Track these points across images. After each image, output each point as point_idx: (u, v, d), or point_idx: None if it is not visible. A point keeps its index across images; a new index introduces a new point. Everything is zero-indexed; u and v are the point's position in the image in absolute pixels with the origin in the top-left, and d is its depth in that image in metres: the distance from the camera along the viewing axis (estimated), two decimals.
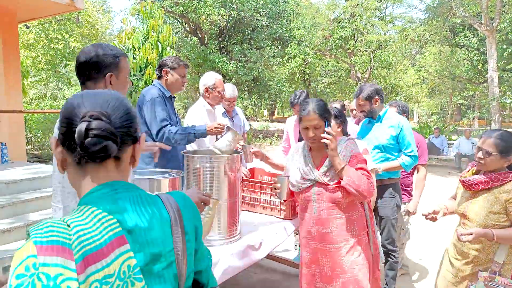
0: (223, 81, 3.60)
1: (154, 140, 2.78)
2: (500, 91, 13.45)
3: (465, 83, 22.02)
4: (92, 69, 1.56)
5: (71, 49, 17.10)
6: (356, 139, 2.89)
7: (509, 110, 28.18)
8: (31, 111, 8.42)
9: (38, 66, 16.79)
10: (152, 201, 0.87)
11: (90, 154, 0.79)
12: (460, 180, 2.30)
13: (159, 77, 2.98)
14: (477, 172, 2.27)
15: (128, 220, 0.78)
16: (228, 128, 2.67)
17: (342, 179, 2.11)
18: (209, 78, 3.46)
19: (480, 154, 2.15)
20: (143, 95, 2.85)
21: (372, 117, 3.28)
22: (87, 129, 0.77)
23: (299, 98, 3.77)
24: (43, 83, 16.67)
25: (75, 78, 16.67)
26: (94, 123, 0.78)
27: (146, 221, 0.82)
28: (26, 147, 8.75)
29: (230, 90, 3.98)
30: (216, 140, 2.67)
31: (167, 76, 2.93)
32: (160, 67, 2.97)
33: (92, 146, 0.77)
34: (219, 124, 2.75)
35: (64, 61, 16.88)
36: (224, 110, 4.05)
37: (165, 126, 2.73)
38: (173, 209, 0.89)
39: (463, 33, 19.09)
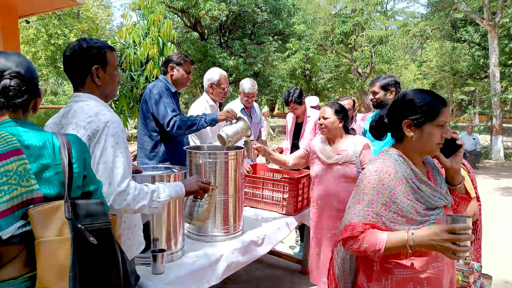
0: None
1: (164, 131, 2.77)
2: (502, 87, 13.40)
3: (466, 79, 21.92)
4: (77, 62, 1.53)
5: None
6: (358, 135, 2.89)
7: (510, 106, 28.11)
8: None
9: (38, 61, 16.73)
10: (47, 133, 1.18)
11: (8, 105, 1.16)
12: None
13: (165, 73, 2.97)
14: None
15: (26, 140, 1.11)
16: (239, 118, 2.67)
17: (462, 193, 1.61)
18: (214, 74, 3.44)
19: None
20: (150, 89, 2.84)
21: (381, 109, 3.25)
22: (9, 86, 1.14)
23: (293, 95, 3.75)
24: (43, 78, 16.63)
25: None
26: (14, 81, 1.15)
27: (40, 142, 1.13)
28: None
29: (249, 84, 3.94)
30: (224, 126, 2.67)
31: (173, 71, 2.92)
32: (166, 63, 2.96)
33: (13, 99, 1.15)
34: (230, 111, 2.72)
35: None
36: (243, 107, 4.01)
37: (176, 115, 2.73)
38: (62, 139, 1.18)
39: (465, 28, 18.98)
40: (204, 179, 1.85)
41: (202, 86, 21.04)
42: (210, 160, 2.39)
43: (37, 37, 16.25)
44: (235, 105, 4.06)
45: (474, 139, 10.87)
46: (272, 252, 3.59)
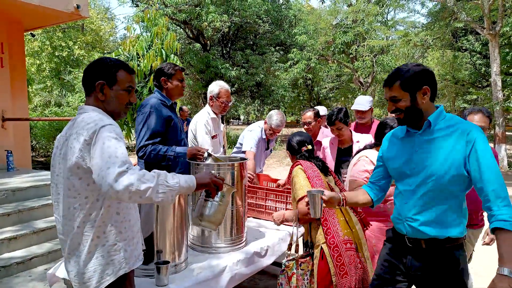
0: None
1: (162, 142, 2.77)
2: (504, 95, 13.41)
3: (468, 87, 21.97)
4: (87, 76, 1.61)
5: (75, 57, 17.22)
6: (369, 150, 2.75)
7: None
8: (36, 118, 8.48)
9: (43, 73, 16.90)
10: None
11: None
12: None
13: (158, 86, 2.94)
14: None
15: None
16: (209, 155, 2.69)
17: None
18: (215, 87, 3.47)
19: None
20: (142, 105, 2.82)
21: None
22: None
23: (337, 114, 3.30)
24: (47, 90, 16.78)
25: (79, 85, 16.75)
26: None
27: None
28: (31, 154, 8.80)
29: (278, 120, 3.73)
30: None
31: (166, 84, 2.89)
32: (157, 76, 2.92)
33: None
34: (200, 150, 2.73)
35: (68, 68, 17.01)
36: (264, 137, 3.89)
37: (149, 144, 2.69)
38: None
39: (466, 37, 19.09)
40: (218, 175, 1.74)
41: (205, 97, 21.22)
42: (213, 171, 2.41)
43: (42, 50, 16.45)
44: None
45: None
46: (275, 263, 3.58)
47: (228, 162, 2.61)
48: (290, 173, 2.53)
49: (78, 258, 1.52)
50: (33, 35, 7.13)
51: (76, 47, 16.86)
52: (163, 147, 2.72)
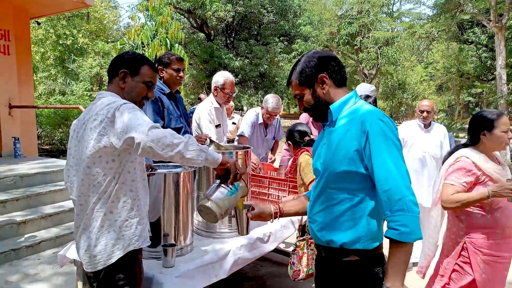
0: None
1: None
2: (509, 89, 13.35)
3: (473, 80, 21.85)
4: (114, 64, 1.74)
5: (79, 45, 17.22)
6: None
7: None
8: (43, 106, 8.55)
9: (47, 61, 16.94)
10: None
11: None
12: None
13: None
14: None
15: None
16: (211, 141, 2.73)
17: None
18: (220, 78, 3.51)
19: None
20: None
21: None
22: None
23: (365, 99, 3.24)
24: (51, 78, 16.82)
25: (83, 74, 16.82)
26: None
27: None
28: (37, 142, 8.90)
29: (274, 103, 3.88)
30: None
31: (162, 73, 2.94)
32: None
33: None
34: (201, 137, 2.77)
35: (72, 56, 17.02)
36: (262, 121, 4.02)
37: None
38: None
39: (472, 30, 18.94)
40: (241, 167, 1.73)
41: (209, 87, 21.26)
42: None
43: (46, 38, 16.45)
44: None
45: None
46: (277, 250, 3.66)
47: (232, 150, 2.68)
48: (294, 161, 2.59)
49: (90, 233, 1.60)
50: (38, 23, 7.17)
51: (80, 35, 16.84)
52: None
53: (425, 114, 3.71)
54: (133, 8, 17.78)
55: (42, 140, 10.35)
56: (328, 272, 1.54)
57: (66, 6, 6.09)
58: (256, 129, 4.09)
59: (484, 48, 19.91)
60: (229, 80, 3.52)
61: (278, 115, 4.26)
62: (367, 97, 3.29)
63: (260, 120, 4.07)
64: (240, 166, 1.70)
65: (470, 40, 19.38)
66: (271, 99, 3.91)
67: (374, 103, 3.28)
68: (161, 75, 2.94)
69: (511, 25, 14.84)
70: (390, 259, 1.32)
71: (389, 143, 1.34)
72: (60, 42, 16.58)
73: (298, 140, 2.69)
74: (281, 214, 1.73)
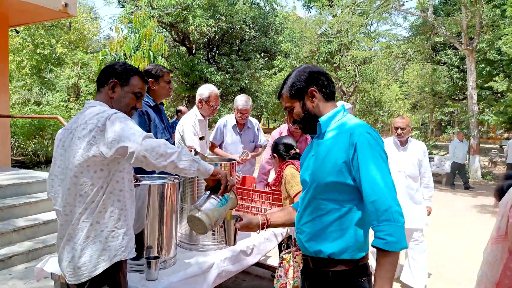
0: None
1: None
2: (479, 108, 13.94)
3: (445, 100, 22.69)
4: (104, 74, 1.74)
5: (57, 55, 16.92)
6: None
7: (486, 127, 29.08)
8: (19, 116, 8.30)
9: (23, 71, 16.52)
10: None
11: None
12: None
13: None
14: None
15: None
16: (196, 153, 2.75)
17: None
18: (205, 90, 3.54)
19: None
20: None
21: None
22: None
23: None
24: (27, 88, 16.40)
25: (60, 84, 16.47)
26: None
27: None
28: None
29: (243, 101, 3.94)
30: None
31: (154, 86, 2.89)
32: None
33: None
34: (188, 148, 2.78)
35: (49, 66, 16.68)
36: (235, 123, 4.07)
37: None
38: None
39: (444, 51, 19.78)
40: (231, 179, 1.75)
41: (189, 100, 21.18)
42: None
43: (23, 47, 16.09)
44: (229, 121, 4.13)
45: (466, 145, 10.86)
46: (258, 264, 3.64)
47: (217, 162, 2.68)
48: (279, 174, 2.61)
49: (75, 244, 1.56)
50: (17, 32, 7.02)
51: (59, 45, 16.57)
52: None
53: (399, 131, 3.63)
54: (115, 20, 17.70)
55: (15, 151, 10.01)
56: (315, 283, 1.54)
57: (48, 15, 6.01)
58: (229, 133, 4.11)
59: (455, 69, 20.77)
60: (214, 93, 3.55)
61: (257, 121, 4.35)
62: None
63: (232, 123, 4.08)
64: (231, 179, 1.72)
65: (442, 61, 20.20)
66: (239, 98, 3.99)
67: None
68: (152, 88, 2.91)
69: (481, 48, 15.59)
70: (378, 268, 1.35)
71: (376, 156, 1.38)
72: (38, 52, 16.24)
73: (283, 153, 2.73)
74: (268, 224, 1.74)
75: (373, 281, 1.38)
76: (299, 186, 2.38)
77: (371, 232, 1.44)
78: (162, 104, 3.09)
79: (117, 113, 1.55)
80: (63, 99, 15.54)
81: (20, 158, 9.73)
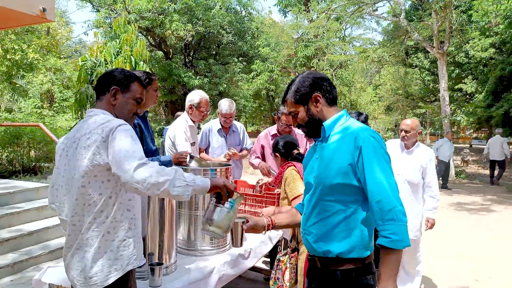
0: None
1: None
2: (451, 109, 14.50)
3: (417, 101, 23.48)
4: (103, 80, 1.73)
5: (28, 60, 16.39)
6: None
7: (457, 127, 30.22)
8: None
9: None
10: None
11: None
12: None
13: None
14: None
15: None
16: (192, 157, 2.77)
17: None
18: (195, 96, 3.56)
19: None
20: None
21: None
22: None
23: (357, 117, 3.38)
24: None
25: (32, 90, 15.96)
26: None
27: None
28: None
29: (226, 106, 3.98)
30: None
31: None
32: None
33: None
34: (182, 154, 2.81)
35: (21, 72, 16.14)
36: (220, 127, 4.10)
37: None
38: None
39: (416, 55, 20.48)
40: (231, 182, 1.78)
41: (166, 105, 20.94)
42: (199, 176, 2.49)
43: None
44: (214, 125, 4.18)
45: (452, 145, 10.77)
46: (252, 267, 3.67)
47: (213, 166, 2.71)
48: (280, 173, 2.63)
49: (86, 253, 1.56)
50: None
51: (30, 50, 16.06)
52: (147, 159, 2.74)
53: (403, 133, 3.37)
54: (89, 25, 17.34)
55: None
56: (323, 282, 1.60)
57: (25, 20, 5.85)
58: (215, 138, 4.14)
59: (427, 72, 21.55)
60: (204, 98, 3.57)
61: (242, 125, 4.43)
62: (359, 114, 3.30)
63: (217, 127, 4.12)
64: (230, 182, 1.76)
65: (414, 64, 20.91)
66: (223, 102, 4.02)
67: (365, 120, 3.28)
68: None
69: (450, 52, 16.24)
70: (383, 265, 1.43)
71: (380, 158, 1.46)
72: (8, 57, 15.68)
73: (284, 151, 2.71)
74: (273, 226, 1.79)
75: (378, 278, 1.47)
76: (298, 190, 2.44)
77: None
78: (147, 111, 3.06)
79: (121, 126, 1.54)
80: (36, 106, 15.08)
81: None
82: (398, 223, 1.39)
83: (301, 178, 2.49)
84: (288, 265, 2.47)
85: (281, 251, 2.54)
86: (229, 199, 1.73)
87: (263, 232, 1.78)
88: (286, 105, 1.68)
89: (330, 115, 1.61)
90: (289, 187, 2.51)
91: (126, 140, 1.49)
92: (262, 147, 4.00)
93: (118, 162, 1.45)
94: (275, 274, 2.48)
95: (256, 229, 1.76)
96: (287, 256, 2.47)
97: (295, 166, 2.58)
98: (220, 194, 1.72)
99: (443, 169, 10.48)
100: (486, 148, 11.78)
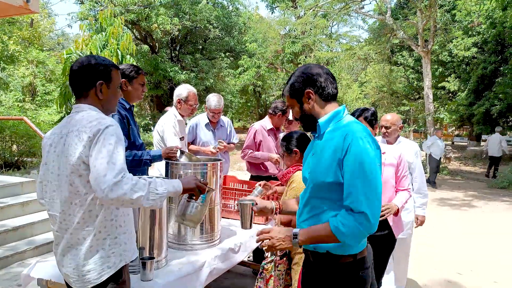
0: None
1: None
2: (435, 107, 14.77)
3: (402, 99, 23.84)
4: (83, 76, 1.64)
5: (9, 52, 15.96)
6: None
7: (440, 125, 30.81)
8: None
9: None
10: None
11: None
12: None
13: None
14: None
15: None
16: (182, 152, 2.77)
17: None
18: (183, 90, 3.54)
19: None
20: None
21: None
22: None
23: (362, 112, 3.05)
24: None
25: (14, 83, 15.57)
26: None
27: None
28: None
29: (215, 101, 3.96)
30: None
31: (126, 87, 2.76)
32: None
33: None
34: (172, 149, 2.79)
35: (1, 64, 15.72)
36: (208, 121, 4.08)
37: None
38: None
39: (400, 53, 20.77)
40: (202, 179, 1.84)
41: (152, 100, 20.76)
42: (190, 171, 2.50)
43: None
44: (201, 119, 4.15)
45: (442, 142, 10.75)
46: (240, 262, 3.70)
47: (202, 162, 2.71)
48: (288, 173, 2.47)
49: (78, 251, 1.55)
50: None
51: (12, 42, 15.65)
52: (137, 152, 2.72)
53: (383, 130, 3.24)
54: (73, 17, 16.99)
55: None
56: (316, 276, 1.63)
57: (8, 11, 5.70)
58: (203, 132, 4.10)
59: (411, 70, 21.88)
60: (192, 92, 3.56)
61: (229, 119, 4.41)
62: (365, 110, 3.01)
63: (205, 122, 4.08)
64: (200, 179, 1.82)
65: (399, 62, 21.20)
66: (212, 98, 3.99)
67: (373, 116, 2.96)
68: (124, 89, 2.75)
69: (435, 50, 16.52)
70: (311, 229, 1.52)
71: (363, 162, 1.42)
72: None
73: (302, 149, 2.44)
74: (280, 210, 1.87)
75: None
76: (295, 195, 2.29)
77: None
78: (133, 106, 3.00)
79: (107, 128, 1.50)
80: (18, 99, 14.72)
81: None
82: (355, 222, 1.40)
83: None
84: (273, 273, 2.33)
85: (267, 257, 2.39)
86: (201, 195, 1.81)
87: (272, 215, 1.88)
88: (285, 98, 1.69)
89: (325, 111, 1.59)
90: (290, 187, 2.40)
91: (109, 148, 1.46)
92: (260, 142, 4.00)
93: (95, 176, 1.43)
94: (257, 283, 2.37)
95: (264, 211, 1.85)
96: (272, 264, 2.33)
97: None
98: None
99: (434, 167, 10.57)
100: (485, 145, 12.57)
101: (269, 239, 1.58)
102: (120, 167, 1.46)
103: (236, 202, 1.84)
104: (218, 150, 3.83)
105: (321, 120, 1.59)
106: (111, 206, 1.57)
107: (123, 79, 2.77)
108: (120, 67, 2.90)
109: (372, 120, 2.93)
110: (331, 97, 1.61)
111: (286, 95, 1.66)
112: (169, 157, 2.77)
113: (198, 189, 1.78)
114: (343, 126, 1.53)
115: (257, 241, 1.65)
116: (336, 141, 1.48)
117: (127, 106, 2.82)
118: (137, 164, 2.71)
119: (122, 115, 2.72)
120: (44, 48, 19.38)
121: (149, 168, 3.01)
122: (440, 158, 10.90)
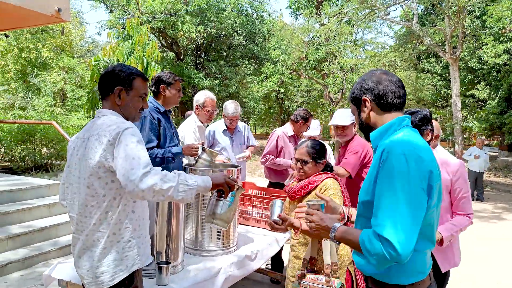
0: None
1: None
2: (463, 115, 14.32)
3: (429, 107, 23.23)
4: (105, 81, 1.71)
5: (43, 59, 16.66)
6: None
7: (468, 133, 29.82)
8: (12, 121, 8.15)
9: (7, 75, 16.21)
10: None
11: None
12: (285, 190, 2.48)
13: (155, 93, 3.01)
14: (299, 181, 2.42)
15: None
16: (204, 149, 2.80)
17: None
18: (200, 96, 3.62)
19: (298, 165, 2.38)
20: None
21: None
22: None
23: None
24: (11, 92, 16.08)
25: (46, 89, 16.22)
26: None
27: None
28: None
29: (232, 108, 4.02)
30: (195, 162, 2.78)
31: (165, 92, 2.96)
32: (157, 83, 2.99)
33: None
34: (193, 146, 2.86)
35: (35, 71, 16.41)
36: (225, 128, 4.12)
37: (149, 148, 2.73)
38: None
39: (428, 60, 20.29)
40: (230, 176, 1.83)
41: (177, 106, 21.12)
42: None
43: (7, 50, 15.81)
44: (218, 126, 4.18)
45: (486, 153, 9.59)
46: (258, 269, 3.68)
47: (221, 168, 2.73)
48: (312, 183, 2.32)
49: (93, 253, 1.59)
50: (6, 36, 6.93)
51: (45, 49, 16.33)
52: (160, 150, 2.82)
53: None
54: (103, 25, 17.57)
55: (1, 157, 9.81)
56: None
57: (40, 20, 5.95)
58: (220, 139, 4.12)
59: (438, 77, 21.32)
60: (209, 98, 3.61)
61: (245, 124, 4.46)
62: (413, 113, 2.43)
63: (222, 128, 4.12)
64: (229, 177, 1.82)
65: (426, 69, 20.71)
66: (229, 105, 4.04)
67: (422, 121, 2.34)
68: (162, 93, 2.96)
69: (462, 57, 16.06)
70: (350, 232, 1.41)
71: (394, 181, 1.25)
72: (23, 56, 15.97)
73: (320, 160, 2.40)
74: (349, 218, 1.84)
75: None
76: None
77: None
78: (170, 111, 3.14)
79: (126, 130, 1.54)
80: (49, 104, 15.31)
81: (6, 164, 9.53)
82: (381, 246, 1.23)
83: (343, 195, 2.31)
84: None
85: (296, 234, 2.18)
86: (230, 192, 1.82)
87: (343, 219, 1.80)
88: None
89: (381, 122, 1.45)
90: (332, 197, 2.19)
91: (132, 146, 1.50)
92: (281, 149, 4.00)
93: (123, 171, 1.46)
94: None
95: (335, 212, 1.79)
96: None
97: (334, 178, 2.36)
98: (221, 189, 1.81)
99: (478, 180, 9.45)
100: None
101: (310, 222, 1.53)
102: (146, 161, 1.50)
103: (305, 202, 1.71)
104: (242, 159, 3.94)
105: (372, 133, 1.46)
106: (128, 207, 1.61)
107: (162, 85, 2.94)
108: (158, 74, 3.06)
109: (420, 126, 2.29)
110: (393, 107, 1.44)
111: (349, 100, 1.57)
112: (190, 154, 2.82)
113: (228, 185, 1.79)
114: (389, 140, 1.36)
115: (299, 217, 1.61)
116: (376, 157, 1.38)
117: (162, 110, 2.96)
118: (160, 162, 2.79)
119: (154, 117, 2.85)
120: (75, 55, 20.12)
121: None
122: (479, 170, 9.43)
